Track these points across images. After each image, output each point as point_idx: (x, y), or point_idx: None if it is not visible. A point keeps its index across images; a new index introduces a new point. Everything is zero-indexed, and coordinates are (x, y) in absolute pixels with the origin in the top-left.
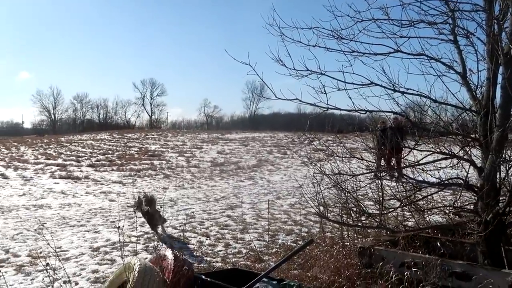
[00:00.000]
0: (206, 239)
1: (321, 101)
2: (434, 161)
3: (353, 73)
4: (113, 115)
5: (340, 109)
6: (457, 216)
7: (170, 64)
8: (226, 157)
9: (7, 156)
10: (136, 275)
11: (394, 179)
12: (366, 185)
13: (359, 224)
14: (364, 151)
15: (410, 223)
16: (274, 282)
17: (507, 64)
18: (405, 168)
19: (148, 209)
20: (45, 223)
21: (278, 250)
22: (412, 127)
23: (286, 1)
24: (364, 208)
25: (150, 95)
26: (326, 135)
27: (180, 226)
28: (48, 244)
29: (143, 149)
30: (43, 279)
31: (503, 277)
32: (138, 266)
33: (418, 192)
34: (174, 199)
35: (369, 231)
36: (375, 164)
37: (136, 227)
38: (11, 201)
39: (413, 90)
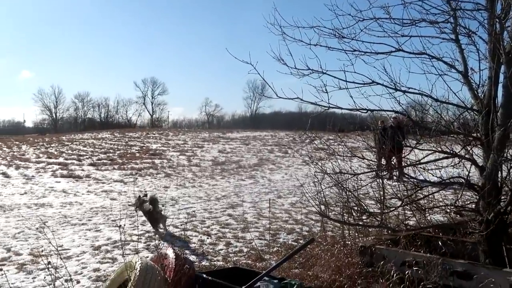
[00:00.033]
0: (207, 238)
1: (322, 100)
2: (435, 160)
3: (355, 72)
4: (114, 114)
5: (341, 108)
6: (458, 215)
7: (171, 63)
8: (227, 156)
9: (8, 155)
10: (138, 274)
11: (393, 179)
12: (367, 184)
13: (360, 223)
14: (365, 150)
15: (411, 222)
16: (275, 281)
17: (509, 63)
18: (407, 167)
19: (151, 208)
20: (47, 222)
21: (279, 249)
22: (414, 126)
23: (288, 0)
24: (365, 207)
25: (151, 94)
26: (327, 134)
27: (181, 225)
28: (50, 242)
29: (144, 148)
30: (44, 277)
31: (504, 276)
32: (140, 265)
33: (419, 191)
34: (175, 198)
35: (370, 230)
36: (376, 163)
37: (137, 226)
38: (12, 199)
39: (415, 89)
